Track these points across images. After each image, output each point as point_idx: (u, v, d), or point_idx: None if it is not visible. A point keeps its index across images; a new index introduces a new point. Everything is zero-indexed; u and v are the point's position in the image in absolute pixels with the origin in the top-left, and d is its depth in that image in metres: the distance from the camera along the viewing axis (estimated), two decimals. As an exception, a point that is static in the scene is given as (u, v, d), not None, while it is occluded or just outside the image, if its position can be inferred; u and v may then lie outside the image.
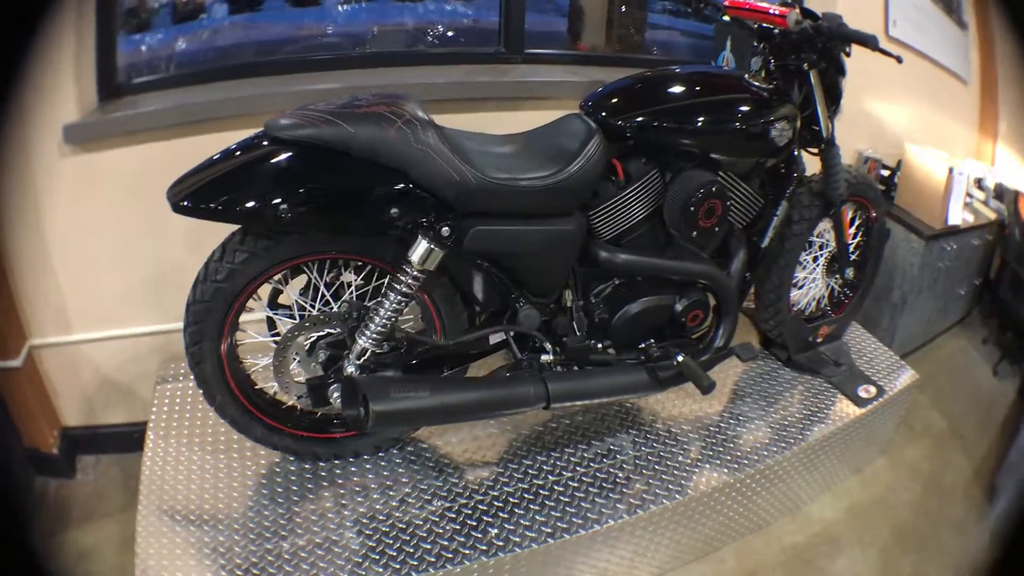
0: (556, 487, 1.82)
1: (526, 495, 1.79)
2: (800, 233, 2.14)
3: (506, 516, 1.73)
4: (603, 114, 1.71)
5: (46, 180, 1.91)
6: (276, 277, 1.64)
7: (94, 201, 1.98)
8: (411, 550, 1.63)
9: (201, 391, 1.68)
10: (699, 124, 1.75)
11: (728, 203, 1.82)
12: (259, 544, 1.63)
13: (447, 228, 1.52)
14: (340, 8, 3.12)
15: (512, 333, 1.76)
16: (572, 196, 1.64)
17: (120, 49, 2.06)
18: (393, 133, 1.42)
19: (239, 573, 1.56)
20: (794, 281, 2.27)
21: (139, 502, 1.72)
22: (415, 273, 1.56)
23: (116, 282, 2.09)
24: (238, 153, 1.44)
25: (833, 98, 2.01)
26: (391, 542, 1.65)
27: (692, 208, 1.75)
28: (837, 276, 2.35)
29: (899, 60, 1.82)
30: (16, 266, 1.98)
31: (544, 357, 1.78)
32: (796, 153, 1.99)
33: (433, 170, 1.45)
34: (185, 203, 1.40)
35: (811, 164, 2.10)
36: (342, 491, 1.79)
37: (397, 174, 1.45)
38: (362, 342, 1.61)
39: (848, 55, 1.93)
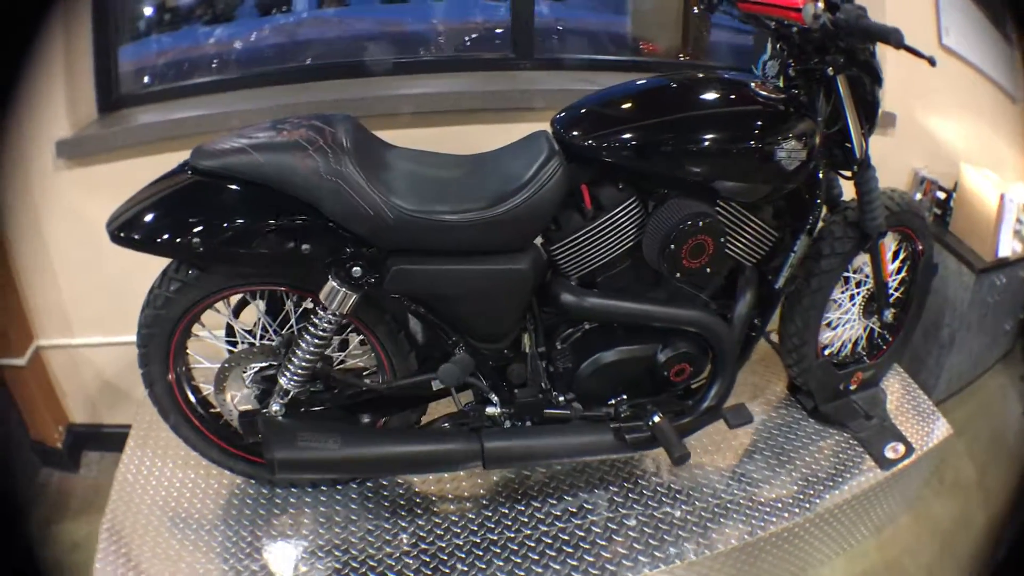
0: (511, 545, 1.67)
1: (475, 550, 1.65)
2: (830, 269, 1.84)
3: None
4: (572, 133, 1.47)
5: (43, 192, 1.99)
6: (222, 303, 1.60)
7: (91, 212, 1.99)
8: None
9: (156, 410, 1.69)
10: (681, 144, 1.46)
11: (722, 239, 1.52)
12: (216, 563, 1.62)
13: (358, 268, 1.39)
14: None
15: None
16: (518, 230, 1.45)
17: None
18: (302, 163, 1.32)
19: None
20: (825, 321, 2.00)
21: (107, 506, 1.76)
22: (327, 316, 1.46)
23: (114, 290, 2.12)
24: (163, 183, 1.40)
25: (868, 111, 1.69)
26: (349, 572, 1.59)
27: (673, 246, 1.46)
28: (875, 318, 2.04)
29: (932, 62, 1.50)
30: (22, 272, 2.08)
31: (490, 409, 1.61)
32: (820, 177, 1.67)
33: (344, 204, 1.33)
34: (119, 234, 1.38)
35: (848, 188, 1.82)
36: (305, 519, 1.74)
37: (310, 207, 1.35)
38: (283, 381, 1.53)
39: (873, 55, 1.62)
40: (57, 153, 1.92)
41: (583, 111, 1.52)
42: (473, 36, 2.73)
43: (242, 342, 1.66)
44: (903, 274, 2.08)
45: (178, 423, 1.70)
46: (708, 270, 1.53)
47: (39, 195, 1.98)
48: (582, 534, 1.69)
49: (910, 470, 1.95)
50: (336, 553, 1.63)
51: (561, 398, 1.63)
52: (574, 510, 1.76)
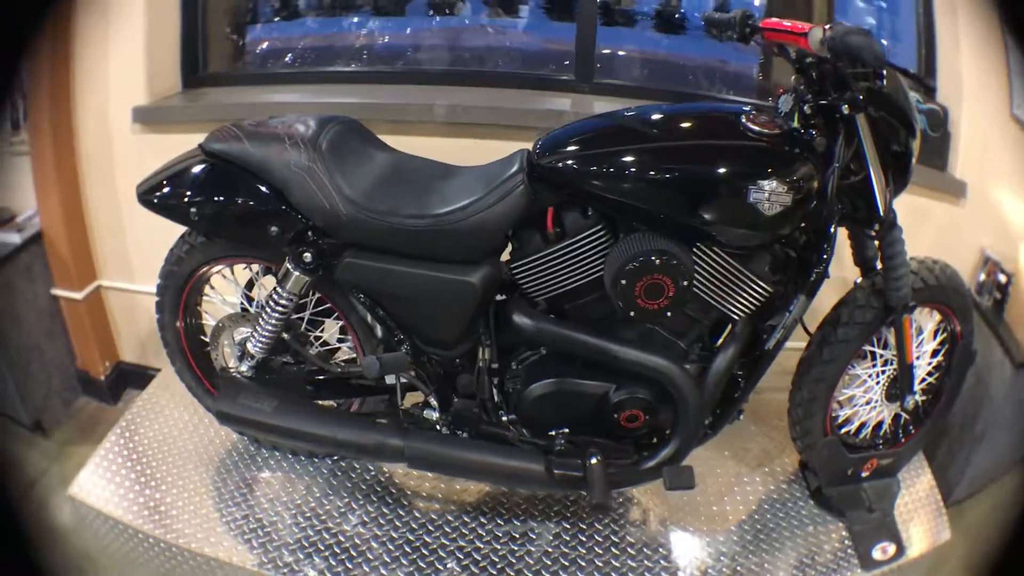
0: (439, 552, 1.67)
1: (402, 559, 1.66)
2: (846, 340, 1.67)
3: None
4: (542, 154, 1.45)
5: (121, 150, 2.24)
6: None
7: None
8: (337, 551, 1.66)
9: (166, 352, 1.89)
10: (640, 173, 1.39)
11: (685, 283, 1.41)
12: (194, 502, 1.76)
13: (308, 254, 1.52)
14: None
15: (402, 378, 1.65)
16: (466, 243, 1.46)
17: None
18: (279, 155, 1.47)
19: (165, 522, 1.70)
20: (844, 397, 1.83)
21: (112, 429, 1.98)
22: (282, 293, 1.58)
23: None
24: (181, 160, 1.61)
25: (899, 164, 1.50)
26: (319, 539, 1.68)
27: (624, 281, 1.40)
28: (897, 403, 1.83)
29: (928, 87, 1.38)
30: (94, 217, 2.35)
31: (429, 413, 1.63)
32: (832, 230, 1.49)
33: (305, 194, 1.47)
34: (143, 197, 1.60)
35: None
36: (284, 483, 1.84)
37: (281, 195, 1.50)
38: (249, 346, 1.67)
39: (905, 96, 1.47)
40: (133, 118, 2.17)
41: (560, 134, 1.49)
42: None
43: (241, 307, 1.81)
44: (939, 358, 1.86)
45: (182, 369, 1.90)
46: (668, 313, 1.44)
47: (117, 152, 2.24)
48: (513, 560, 1.66)
49: (895, 573, 1.75)
50: (302, 520, 1.73)
51: (504, 418, 1.60)
52: (517, 535, 1.73)
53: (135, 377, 2.58)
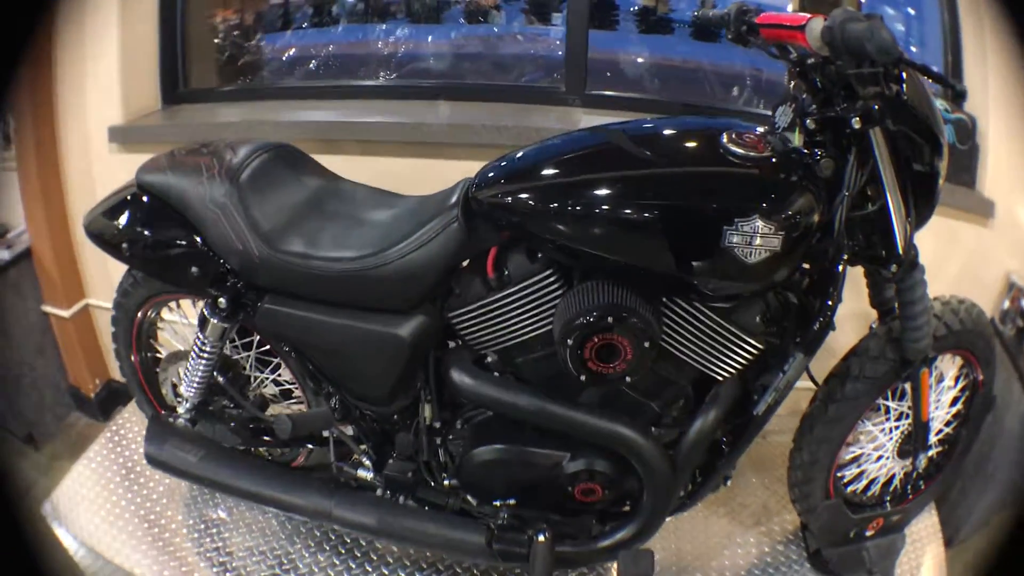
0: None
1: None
2: (855, 396, 1.41)
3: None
4: (478, 187, 1.23)
5: (100, 169, 2.21)
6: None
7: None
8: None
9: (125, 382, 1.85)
10: (586, 208, 1.14)
11: (645, 344, 1.16)
12: (156, 539, 1.71)
13: (223, 300, 1.40)
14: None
15: (334, 432, 1.50)
16: (391, 290, 1.29)
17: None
18: (195, 189, 1.37)
19: (126, 552, 1.66)
20: (851, 456, 1.60)
21: (90, 448, 1.98)
22: (202, 338, 1.48)
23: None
24: (117, 192, 1.53)
25: (923, 190, 1.22)
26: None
27: (571, 341, 1.16)
28: (909, 460, 1.59)
29: (959, 92, 1.14)
30: (80, 236, 2.32)
31: (362, 473, 1.49)
32: (840, 269, 1.21)
33: (219, 235, 1.35)
34: (86, 229, 1.53)
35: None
36: (257, 524, 1.75)
37: (196, 233, 1.39)
38: (182, 388, 1.58)
39: (930, 106, 1.20)
40: (109, 138, 2.14)
41: (505, 162, 1.28)
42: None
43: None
44: (959, 406, 1.62)
45: (141, 400, 1.86)
46: (628, 378, 1.21)
47: (96, 171, 2.21)
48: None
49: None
50: (270, 560, 1.65)
51: (446, 482, 1.44)
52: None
53: (126, 395, 2.56)
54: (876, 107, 1.10)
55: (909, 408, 1.52)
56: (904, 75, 1.15)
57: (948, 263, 1.89)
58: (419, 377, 1.37)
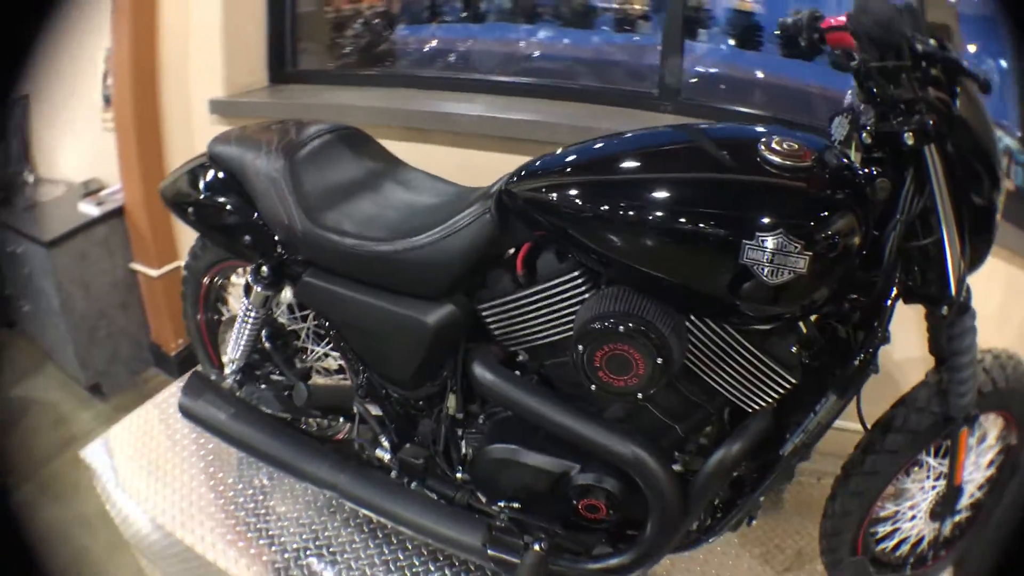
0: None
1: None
2: (895, 449, 1.28)
3: None
4: (512, 181, 1.19)
5: (200, 138, 2.28)
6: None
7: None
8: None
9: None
10: (605, 211, 1.08)
11: (658, 361, 1.07)
12: (191, 500, 1.72)
13: (266, 268, 1.44)
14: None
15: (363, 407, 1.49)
16: (417, 276, 1.27)
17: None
18: (253, 162, 1.41)
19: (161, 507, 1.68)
20: (886, 513, 1.43)
21: (148, 401, 2.05)
22: (248, 305, 1.51)
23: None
24: (192, 159, 1.59)
25: (979, 225, 1.09)
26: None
27: (582, 346, 1.11)
28: (937, 525, 1.41)
29: (984, 85, 1.01)
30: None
31: (380, 452, 1.47)
32: (888, 308, 1.10)
33: (269, 207, 1.39)
34: (162, 193, 1.60)
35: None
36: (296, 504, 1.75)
37: (252, 203, 1.43)
38: (229, 349, 1.62)
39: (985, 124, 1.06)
40: (210, 109, 2.23)
41: (549, 158, 1.21)
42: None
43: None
44: (992, 470, 1.42)
45: (204, 360, 1.92)
46: (640, 395, 1.12)
47: (196, 140, 2.32)
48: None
49: None
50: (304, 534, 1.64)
51: (458, 475, 1.41)
52: None
53: (206, 359, 2.68)
54: (932, 122, 1.00)
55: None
56: (959, 89, 1.04)
57: (1014, 314, 1.66)
58: (447, 366, 1.35)
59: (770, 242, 0.98)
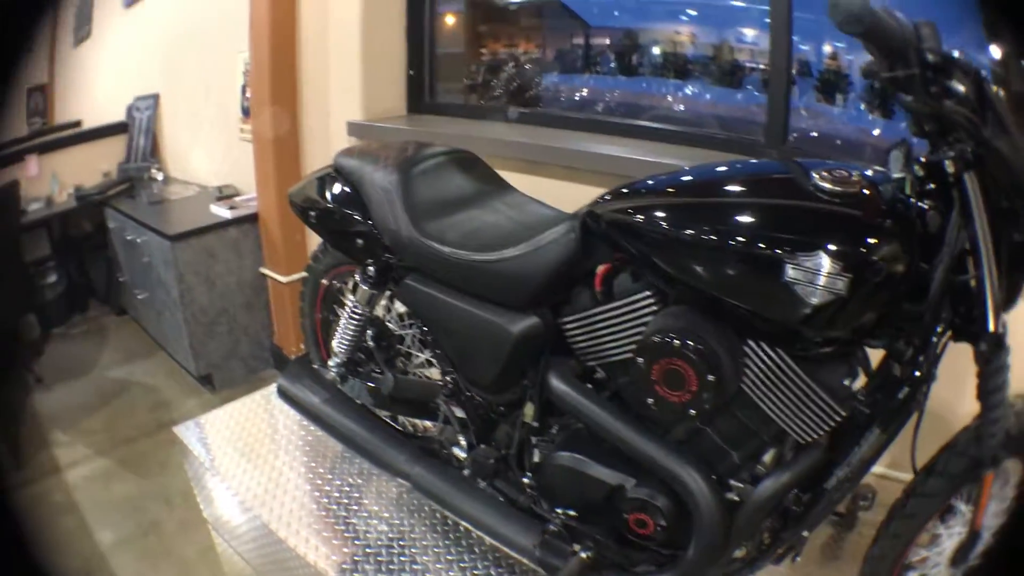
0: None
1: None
2: (933, 493, 1.25)
3: None
4: (596, 203, 1.29)
5: (337, 157, 2.52)
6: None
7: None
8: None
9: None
10: (665, 231, 1.16)
11: (709, 378, 1.12)
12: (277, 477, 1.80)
13: (372, 268, 1.56)
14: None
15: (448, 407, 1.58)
16: (505, 286, 1.36)
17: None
18: (371, 174, 1.55)
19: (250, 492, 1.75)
20: (918, 558, 1.35)
21: (256, 391, 2.14)
22: (353, 302, 1.64)
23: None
24: (320, 169, 1.75)
25: (1018, 260, 1.07)
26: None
27: (640, 359, 1.18)
28: (955, 571, 1.31)
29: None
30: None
31: (456, 450, 1.56)
32: (936, 344, 1.11)
33: (381, 214, 1.52)
34: (290, 199, 1.76)
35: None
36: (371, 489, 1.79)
37: (367, 210, 1.57)
38: (334, 344, 1.73)
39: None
40: (348, 131, 2.44)
41: (635, 183, 1.30)
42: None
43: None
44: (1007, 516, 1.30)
45: (314, 356, 2.05)
46: (691, 411, 1.17)
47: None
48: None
49: None
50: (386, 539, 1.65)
51: (525, 479, 1.46)
52: None
53: (324, 366, 2.84)
54: (970, 149, 1.01)
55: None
56: (987, 116, 1.01)
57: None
58: (528, 376, 1.43)
59: (811, 262, 1.03)
